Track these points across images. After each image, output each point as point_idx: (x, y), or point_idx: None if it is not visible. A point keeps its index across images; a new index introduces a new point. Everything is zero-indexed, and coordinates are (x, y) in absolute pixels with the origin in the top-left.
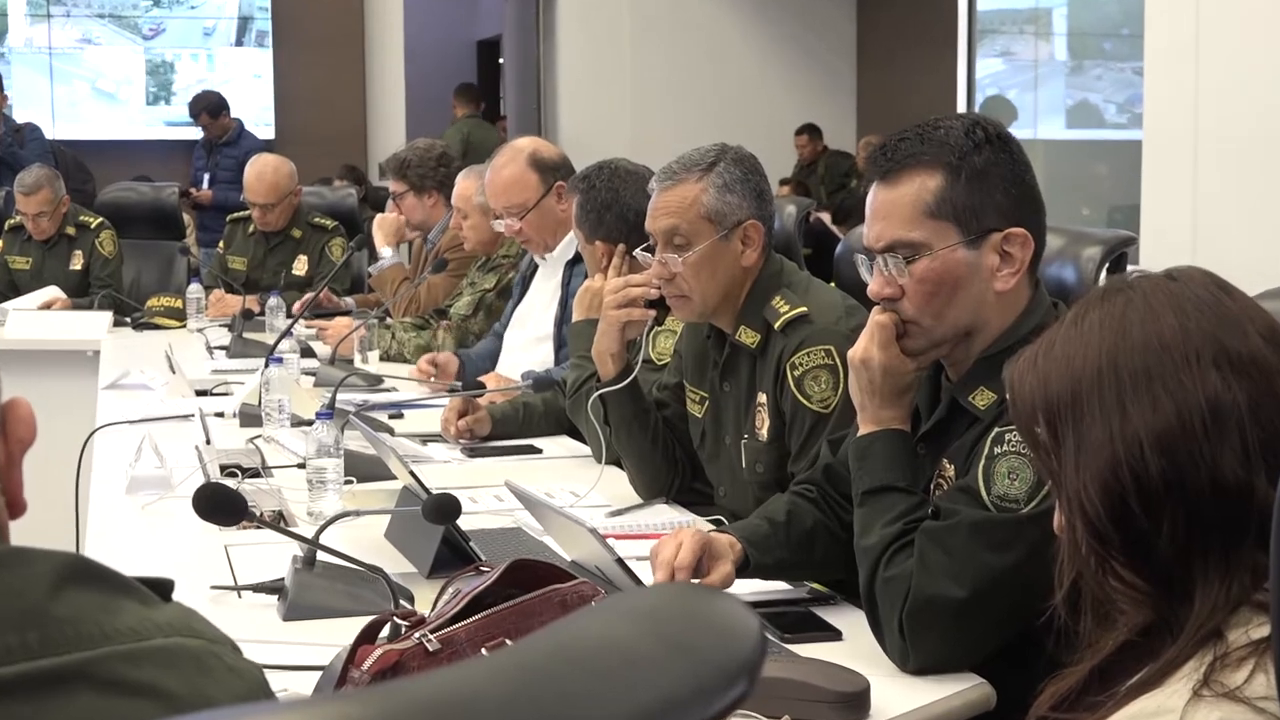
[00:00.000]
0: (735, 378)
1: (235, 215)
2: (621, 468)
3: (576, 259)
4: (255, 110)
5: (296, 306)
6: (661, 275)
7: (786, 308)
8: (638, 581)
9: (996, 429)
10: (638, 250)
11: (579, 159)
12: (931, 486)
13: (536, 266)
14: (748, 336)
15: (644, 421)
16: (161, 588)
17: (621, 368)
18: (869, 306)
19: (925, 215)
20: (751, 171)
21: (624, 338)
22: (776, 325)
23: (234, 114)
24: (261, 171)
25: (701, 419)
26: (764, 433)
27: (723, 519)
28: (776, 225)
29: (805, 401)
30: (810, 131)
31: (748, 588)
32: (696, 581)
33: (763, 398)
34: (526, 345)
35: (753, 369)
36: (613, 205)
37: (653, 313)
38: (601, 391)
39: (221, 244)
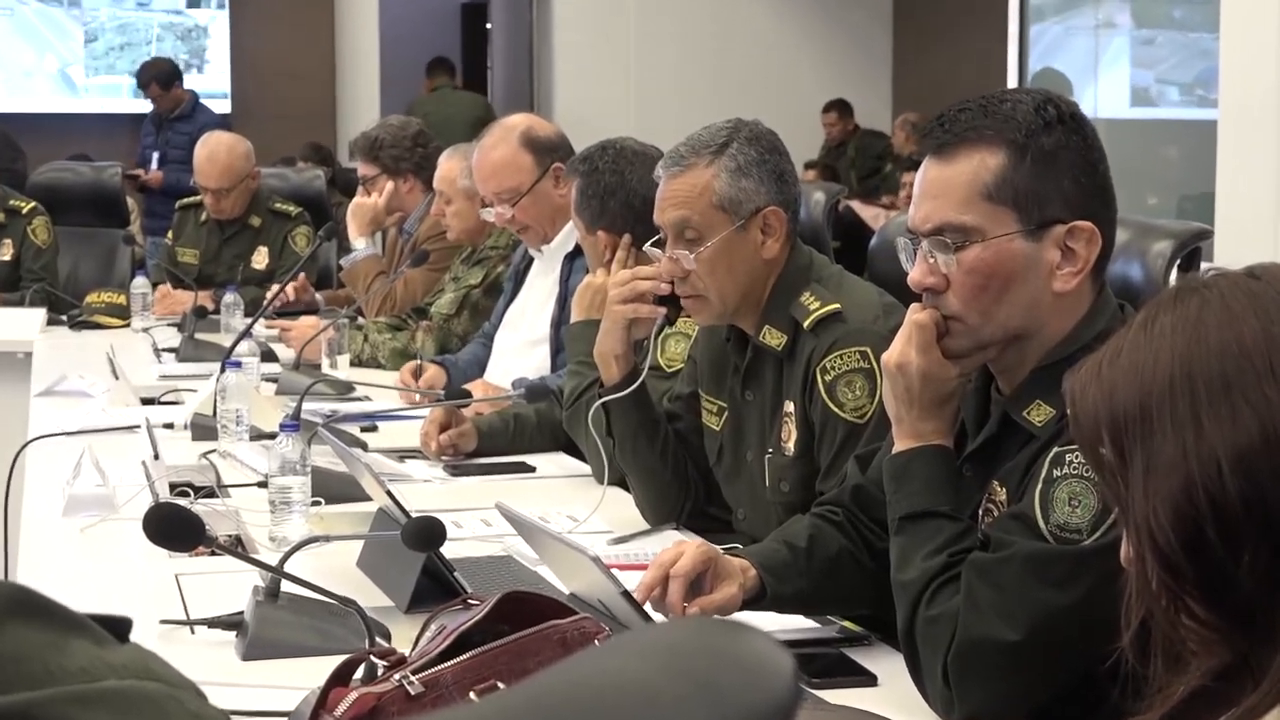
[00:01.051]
0: (758, 385)
1: (185, 201)
2: (626, 488)
3: (577, 251)
4: (210, 81)
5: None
6: (673, 273)
7: (817, 304)
8: (646, 617)
9: (1055, 449)
10: (647, 246)
11: (578, 140)
12: (980, 513)
13: (531, 260)
14: (772, 338)
15: (652, 434)
16: (117, 626)
17: (627, 372)
18: (908, 303)
19: (981, 197)
20: (770, 151)
21: (630, 338)
22: (805, 324)
23: (187, 85)
24: (213, 152)
25: (719, 432)
26: (790, 446)
27: (739, 546)
28: (803, 215)
29: (837, 410)
30: (839, 108)
31: (766, 624)
32: (697, 605)
33: (789, 406)
34: (519, 349)
35: (778, 374)
36: (617, 191)
37: (663, 310)
38: (604, 399)
39: (170, 234)
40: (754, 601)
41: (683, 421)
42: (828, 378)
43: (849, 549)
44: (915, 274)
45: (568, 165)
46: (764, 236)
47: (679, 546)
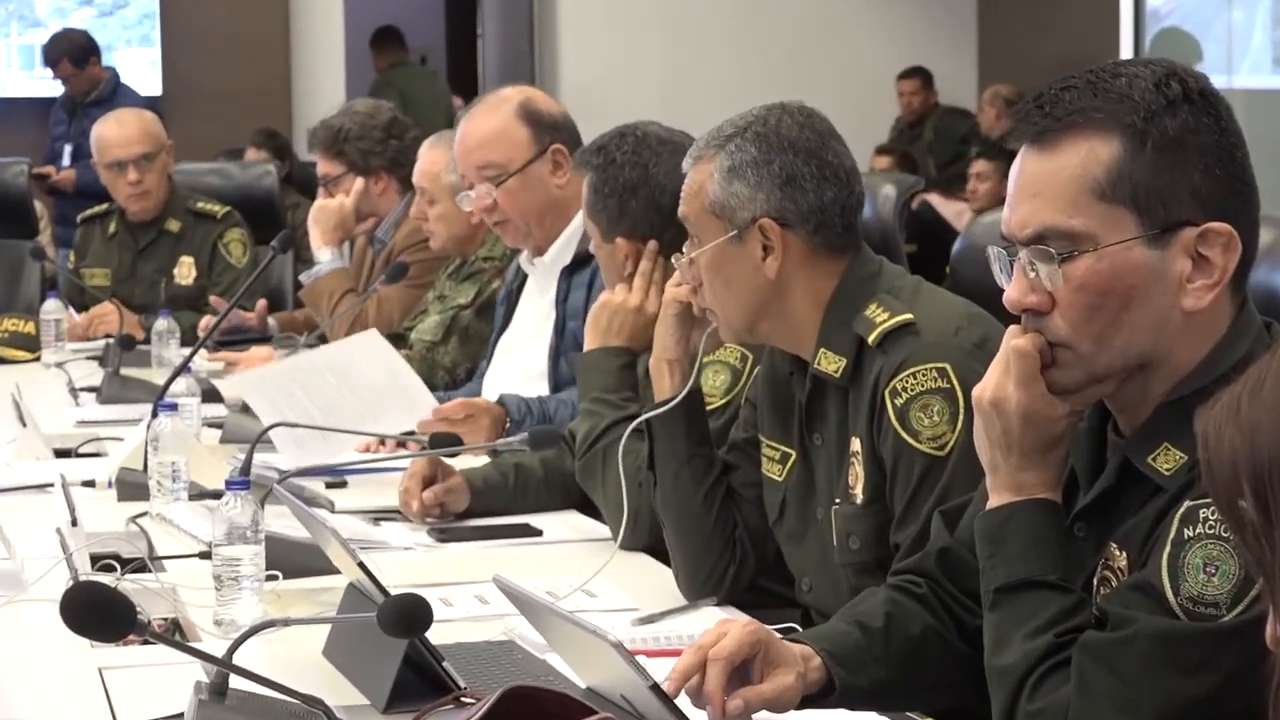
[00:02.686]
0: (824, 423)
1: (89, 213)
2: (655, 555)
3: (577, 265)
4: (135, 57)
5: (202, 327)
6: (688, 279)
7: (885, 316)
8: (681, 717)
9: (1187, 503)
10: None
11: (589, 124)
12: (1095, 582)
13: (524, 279)
14: (829, 362)
15: (701, 471)
16: None
17: (685, 388)
18: (1005, 322)
19: (1093, 195)
20: (778, 149)
21: (689, 341)
22: (871, 339)
23: (106, 62)
24: (120, 118)
25: (782, 484)
26: (859, 492)
27: (797, 627)
28: (868, 212)
29: (911, 440)
30: (919, 76)
31: (835, 717)
32: (742, 697)
33: (856, 444)
34: (515, 386)
35: (843, 407)
36: (639, 187)
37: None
38: (650, 414)
39: (72, 256)
40: (820, 697)
41: (738, 474)
42: (899, 402)
43: (935, 628)
44: (1013, 292)
45: (577, 156)
46: (764, 252)
47: (722, 626)
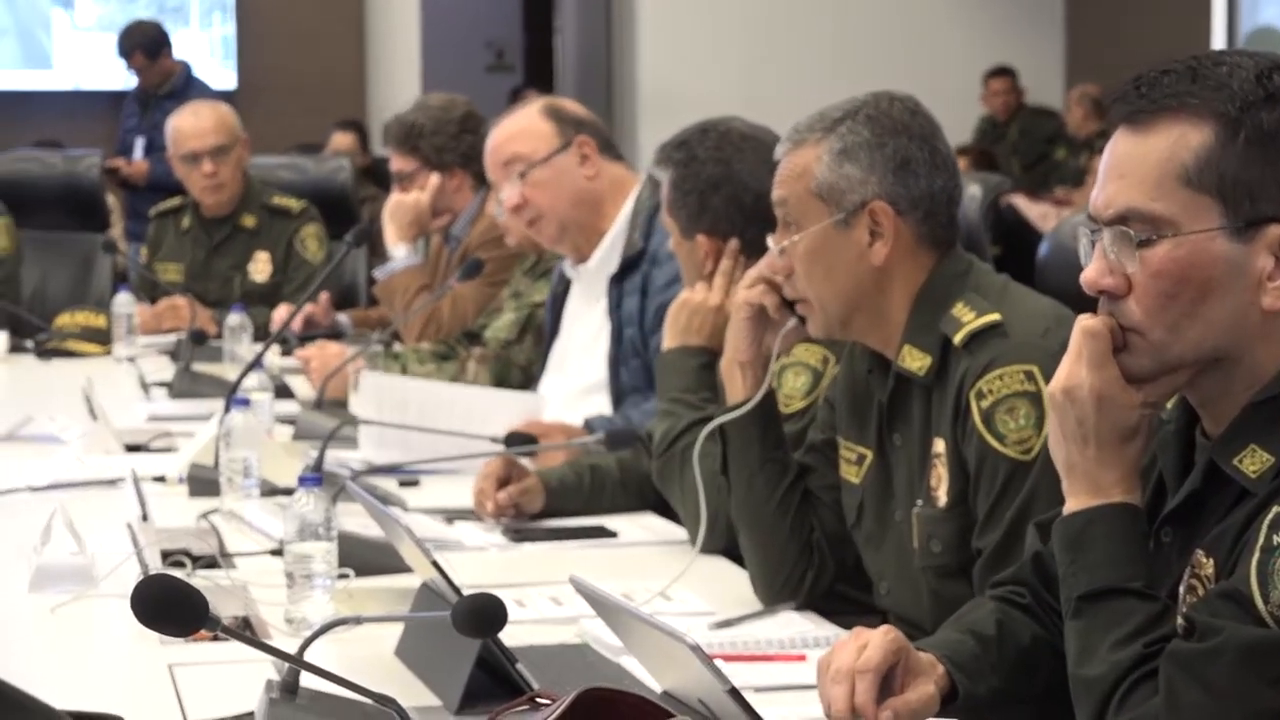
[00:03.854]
0: (905, 424)
1: (162, 207)
2: (733, 558)
3: (624, 271)
4: (209, 49)
5: (274, 322)
6: (774, 268)
7: (971, 316)
8: None
9: (1275, 508)
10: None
11: (667, 121)
12: (1181, 590)
13: (568, 285)
14: (914, 360)
15: (776, 476)
16: None
17: (761, 390)
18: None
19: (1178, 181)
20: (892, 132)
21: (761, 341)
22: (957, 339)
23: (179, 54)
24: (197, 110)
25: (860, 486)
26: (941, 494)
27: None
28: None
29: (996, 444)
30: (1008, 75)
31: None
32: (890, 708)
33: (939, 445)
34: (570, 399)
35: (926, 407)
36: (721, 185)
37: (796, 316)
38: (722, 419)
39: (145, 250)
40: (945, 704)
41: (815, 476)
42: (984, 404)
43: (1044, 637)
44: (1090, 272)
45: (659, 152)
46: (872, 238)
47: (859, 637)
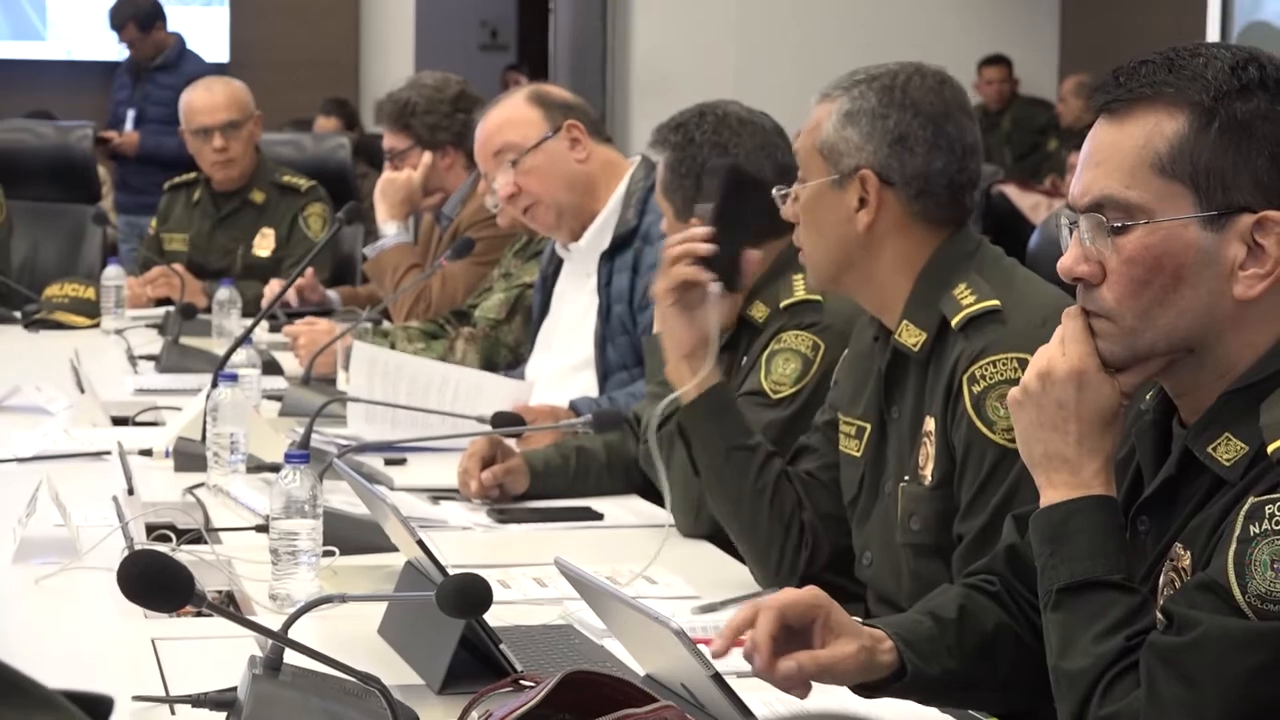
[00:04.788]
0: (902, 397)
1: (177, 180)
2: (719, 543)
3: (616, 248)
4: (202, 23)
5: (265, 298)
6: (787, 215)
7: (972, 299)
8: (744, 709)
9: (1251, 499)
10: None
11: (661, 102)
12: (1160, 583)
13: (559, 264)
14: (910, 335)
15: (742, 463)
16: (97, 707)
17: (714, 377)
18: None
19: (1152, 169)
20: (899, 106)
21: (694, 322)
22: (954, 321)
23: (173, 27)
24: (210, 85)
25: (860, 459)
26: (928, 473)
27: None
28: None
29: (985, 430)
30: (1001, 65)
31: (897, 713)
32: (796, 659)
33: (930, 424)
34: (557, 377)
35: (921, 384)
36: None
37: (713, 277)
38: (665, 407)
39: (155, 221)
40: (889, 682)
41: (817, 457)
42: (976, 389)
43: (1009, 625)
44: (1067, 259)
45: (655, 134)
46: (859, 205)
47: (754, 605)
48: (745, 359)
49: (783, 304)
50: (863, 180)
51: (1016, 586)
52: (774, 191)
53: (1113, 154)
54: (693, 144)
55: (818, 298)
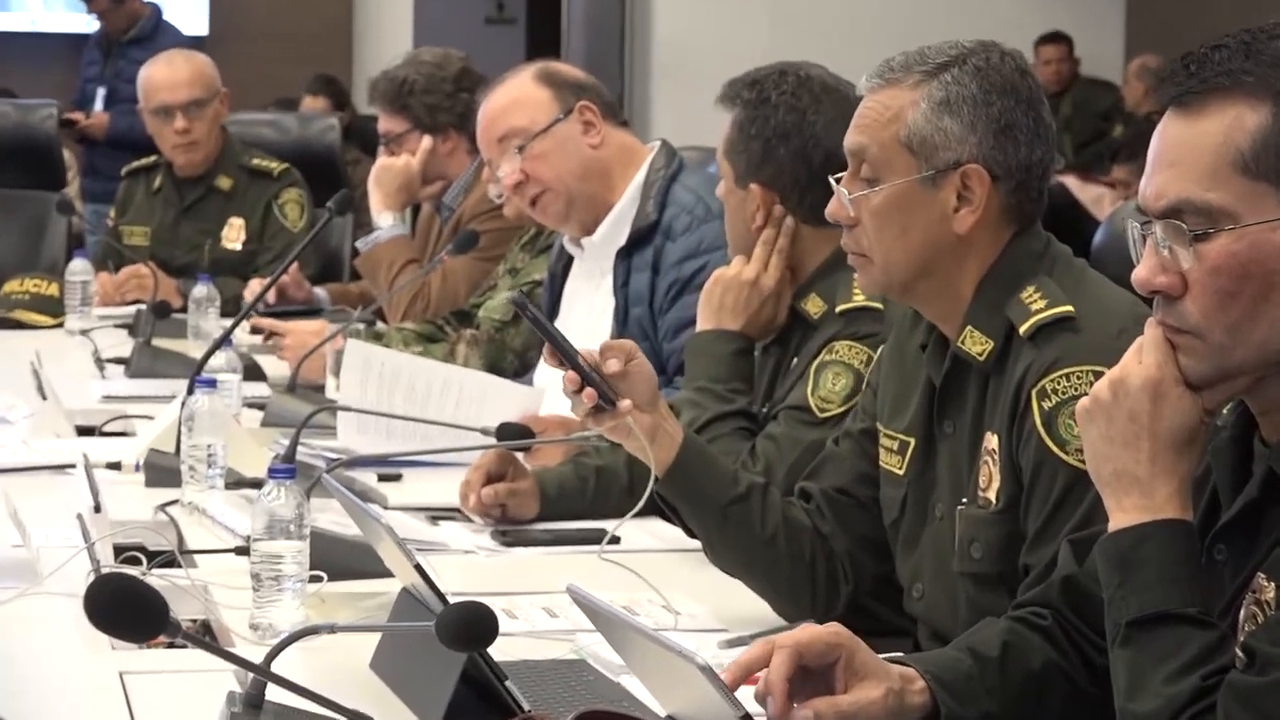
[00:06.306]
0: (959, 410)
1: (134, 165)
2: None
3: (634, 244)
4: None
5: (246, 295)
6: (837, 215)
7: (1042, 304)
8: None
9: None
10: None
11: (682, 83)
12: (1241, 617)
13: (569, 261)
14: (975, 343)
15: (743, 514)
16: None
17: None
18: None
19: (1234, 169)
20: (1000, 91)
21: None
22: (1023, 328)
23: None
24: (172, 59)
25: (903, 478)
26: (991, 496)
27: (904, 656)
28: None
29: (1057, 450)
30: (1061, 43)
31: None
32: (813, 707)
33: (992, 441)
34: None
35: (982, 396)
36: (792, 135)
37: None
38: (633, 512)
39: (113, 212)
40: None
41: (846, 470)
42: (1047, 404)
43: (1059, 664)
44: (1142, 270)
45: (727, 88)
46: (959, 203)
47: (768, 643)
48: (796, 361)
49: (840, 308)
50: (965, 176)
51: (1072, 621)
52: (830, 180)
53: (1188, 152)
54: (767, 104)
55: (878, 305)
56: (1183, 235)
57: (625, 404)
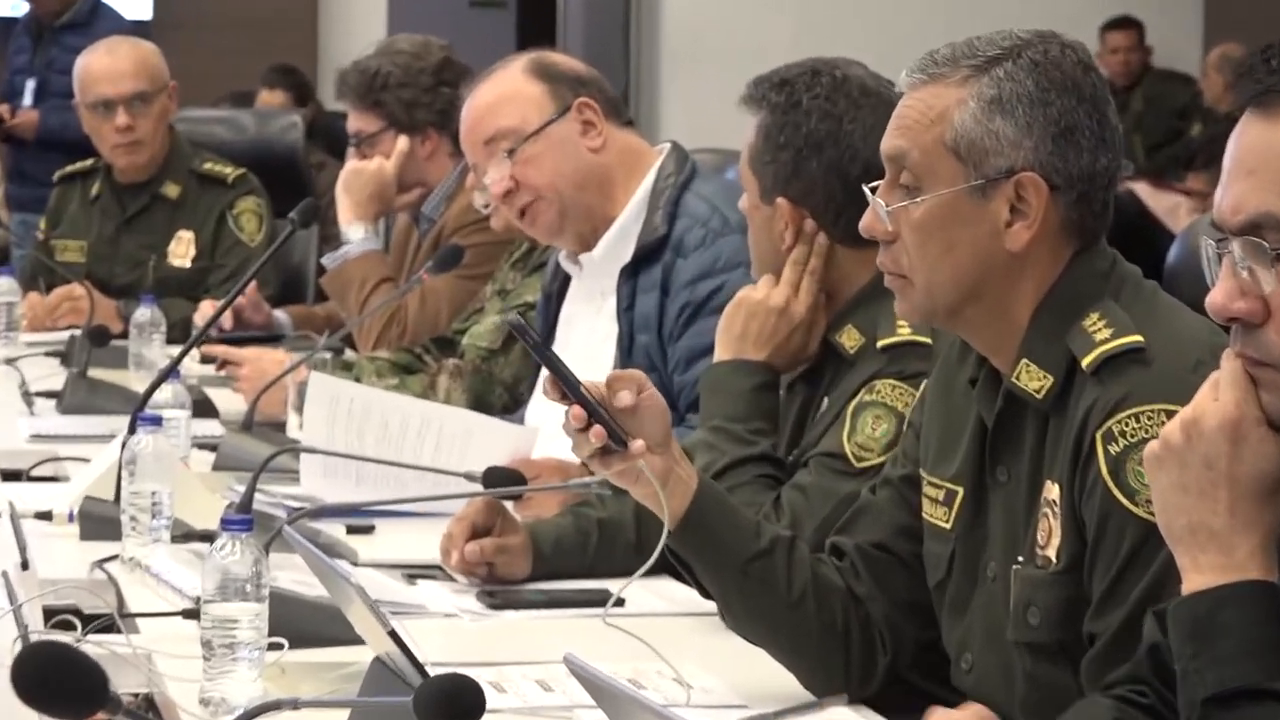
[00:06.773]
0: (1015, 456)
1: (67, 170)
2: None
3: (640, 262)
4: None
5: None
6: (871, 228)
7: (1107, 334)
8: None
9: None
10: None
11: (694, 76)
12: None
13: (566, 280)
14: (1031, 379)
15: (766, 570)
16: None
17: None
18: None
19: None
20: (1061, 89)
21: (635, 473)
22: (1086, 362)
23: None
24: (113, 48)
25: (950, 533)
26: (1051, 553)
27: None
28: None
29: (1126, 501)
30: (1132, 29)
31: None
32: None
33: (1053, 491)
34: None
35: (1041, 439)
36: (825, 145)
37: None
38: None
39: (43, 223)
40: None
41: (885, 523)
42: (1114, 449)
43: None
44: (1218, 294)
45: (751, 88)
46: (1012, 216)
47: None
48: (827, 401)
49: (882, 342)
50: (1019, 185)
51: (1168, 698)
52: (864, 189)
53: (1270, 160)
54: (798, 109)
55: (926, 339)
56: (1264, 254)
57: (638, 444)
